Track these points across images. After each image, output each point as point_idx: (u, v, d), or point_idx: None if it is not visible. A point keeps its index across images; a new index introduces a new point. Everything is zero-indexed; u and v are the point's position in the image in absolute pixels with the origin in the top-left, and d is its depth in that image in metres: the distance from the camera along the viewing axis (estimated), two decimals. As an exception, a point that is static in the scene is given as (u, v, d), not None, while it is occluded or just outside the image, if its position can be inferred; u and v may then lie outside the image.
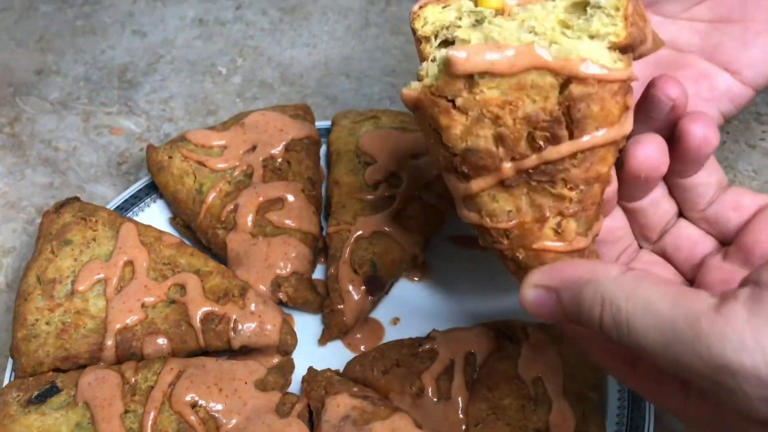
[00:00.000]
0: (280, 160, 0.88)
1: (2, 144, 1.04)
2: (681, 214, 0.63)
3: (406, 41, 1.14)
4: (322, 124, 0.96)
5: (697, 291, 0.44)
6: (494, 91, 0.51)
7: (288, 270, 0.82)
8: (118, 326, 0.76)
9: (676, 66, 0.66)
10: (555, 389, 0.72)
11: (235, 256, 0.84)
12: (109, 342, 0.75)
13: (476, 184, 0.55)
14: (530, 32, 0.52)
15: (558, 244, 0.55)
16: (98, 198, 0.98)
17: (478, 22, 0.53)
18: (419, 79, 0.54)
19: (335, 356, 0.81)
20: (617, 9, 0.50)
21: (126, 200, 0.90)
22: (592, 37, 0.51)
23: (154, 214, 0.90)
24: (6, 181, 1.00)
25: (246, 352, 0.79)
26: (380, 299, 0.85)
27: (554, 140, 0.52)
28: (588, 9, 0.52)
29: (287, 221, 0.85)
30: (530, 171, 0.53)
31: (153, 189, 0.91)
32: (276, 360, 0.80)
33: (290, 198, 0.86)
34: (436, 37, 0.54)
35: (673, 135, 0.56)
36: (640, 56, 0.52)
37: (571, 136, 0.52)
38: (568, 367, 0.74)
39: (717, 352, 0.40)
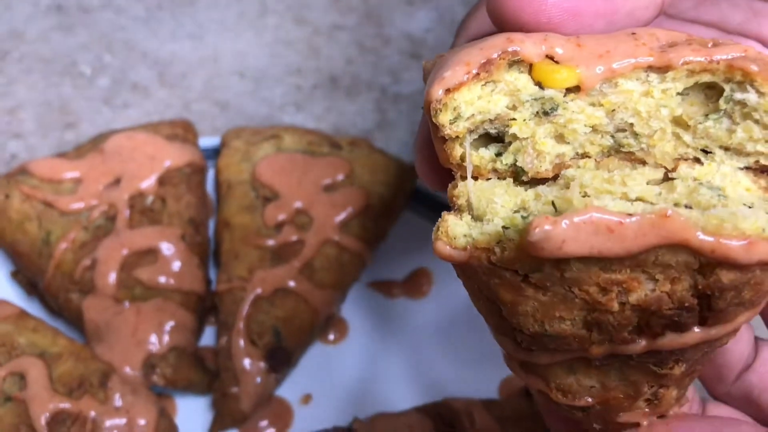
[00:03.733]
0: (152, 197, 0.69)
1: None
2: None
3: (312, 32, 0.96)
4: (208, 141, 0.78)
5: None
6: (595, 269, 0.32)
7: (164, 345, 0.65)
8: (-72, 441, 0.57)
9: None
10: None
11: (94, 328, 0.65)
12: None
13: (547, 358, 0.36)
14: (624, 130, 0.34)
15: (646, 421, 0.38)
16: None
17: (546, 114, 0.34)
18: (450, 201, 0.35)
19: (231, 450, 0.64)
20: None
21: (-49, 252, 0.69)
22: (725, 148, 0.33)
23: (-10, 269, 0.70)
24: None
25: (111, 457, 0.61)
26: (286, 373, 0.68)
27: (677, 328, 0.34)
28: (723, 103, 0.33)
29: (162, 279, 0.66)
30: (633, 355, 0.35)
31: (-12, 235, 0.71)
32: (152, 465, 0.62)
33: (165, 249, 0.67)
34: (470, 132, 0.35)
35: None
36: None
37: (703, 323, 0.34)
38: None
39: None
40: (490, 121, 0.34)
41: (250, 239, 0.69)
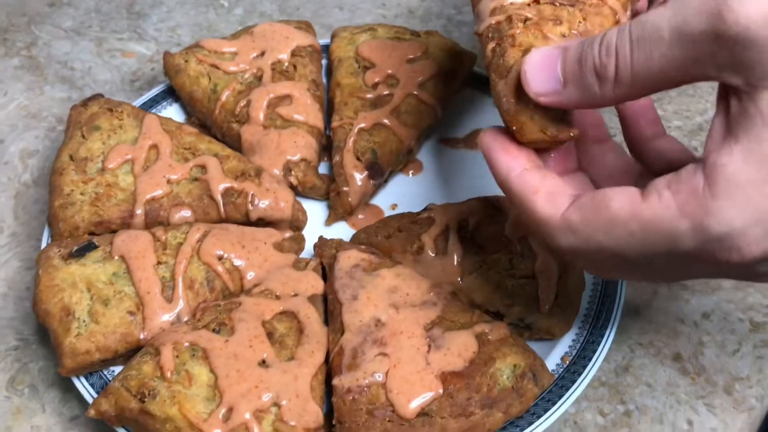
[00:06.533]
0: (286, 63, 0.97)
1: (20, 65, 1.11)
2: None
3: (394, -20, 1.24)
4: (321, 41, 1.05)
5: None
6: None
7: (298, 157, 0.91)
8: (146, 197, 0.84)
9: None
10: (539, 244, 0.81)
11: (249, 146, 0.92)
12: (139, 210, 0.83)
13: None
14: None
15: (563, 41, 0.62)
16: (114, 110, 1.05)
17: None
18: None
19: (340, 236, 0.89)
20: None
21: (144, 103, 0.98)
22: None
23: (170, 116, 0.98)
24: (26, 95, 1.07)
25: (262, 226, 0.87)
26: (380, 186, 0.94)
27: None
28: None
29: (296, 115, 0.93)
30: None
31: (168, 94, 1.00)
32: (288, 235, 0.88)
33: (297, 95, 0.94)
34: None
35: None
36: None
37: None
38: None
39: None
40: None
41: (355, 93, 0.96)
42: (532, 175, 0.60)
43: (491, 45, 0.63)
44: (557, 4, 0.63)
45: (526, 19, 0.62)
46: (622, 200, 0.54)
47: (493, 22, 0.63)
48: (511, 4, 0.63)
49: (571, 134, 0.61)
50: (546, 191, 0.59)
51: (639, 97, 0.55)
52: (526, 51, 0.60)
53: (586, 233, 0.56)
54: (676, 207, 0.52)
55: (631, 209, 0.54)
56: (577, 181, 0.67)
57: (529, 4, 0.63)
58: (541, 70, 0.58)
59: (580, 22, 0.62)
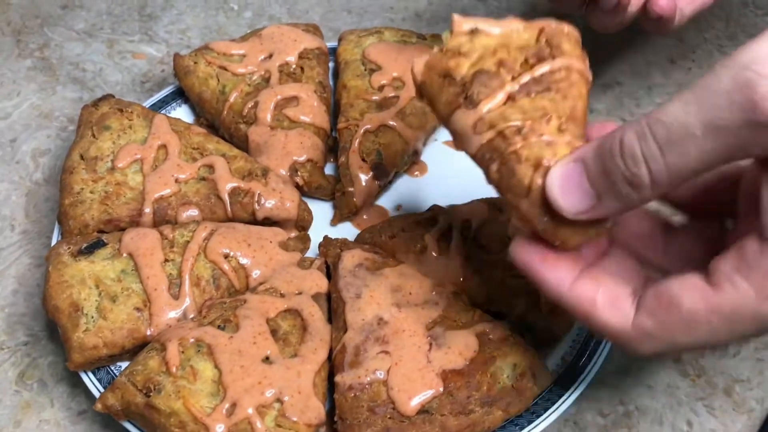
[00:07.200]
0: (294, 65, 0.98)
1: (33, 65, 1.13)
2: None
3: (402, -16, 1.25)
4: (328, 44, 1.06)
5: None
6: (491, 39, 0.62)
7: (304, 158, 0.92)
8: (155, 196, 0.85)
9: None
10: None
11: (256, 146, 0.93)
12: (147, 209, 0.85)
13: (484, 105, 0.60)
14: None
15: (564, 138, 0.60)
16: (124, 111, 1.07)
17: None
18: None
19: (345, 236, 0.90)
20: None
21: (154, 104, 1.00)
22: None
23: (180, 117, 1.00)
24: (39, 96, 1.09)
25: (268, 225, 0.89)
26: (385, 187, 0.95)
27: (541, 60, 0.61)
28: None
29: (302, 117, 0.95)
30: (528, 83, 0.60)
31: (178, 95, 1.01)
32: (294, 234, 0.89)
33: (304, 96, 0.96)
34: None
35: None
36: None
37: (553, 58, 0.61)
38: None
39: None
40: None
41: (361, 95, 0.97)
42: (584, 286, 0.60)
43: (494, 166, 0.61)
44: (532, 95, 0.60)
45: (519, 129, 0.59)
46: (692, 296, 0.54)
47: (484, 141, 0.60)
48: (488, 111, 0.60)
49: (612, 225, 0.61)
50: (606, 301, 0.59)
51: (679, 186, 0.54)
52: (536, 164, 0.58)
53: (665, 337, 0.56)
54: (754, 292, 0.52)
55: (706, 305, 0.54)
56: (619, 262, 0.64)
57: (505, 103, 0.60)
58: (568, 189, 0.56)
59: (562, 106, 0.60)
